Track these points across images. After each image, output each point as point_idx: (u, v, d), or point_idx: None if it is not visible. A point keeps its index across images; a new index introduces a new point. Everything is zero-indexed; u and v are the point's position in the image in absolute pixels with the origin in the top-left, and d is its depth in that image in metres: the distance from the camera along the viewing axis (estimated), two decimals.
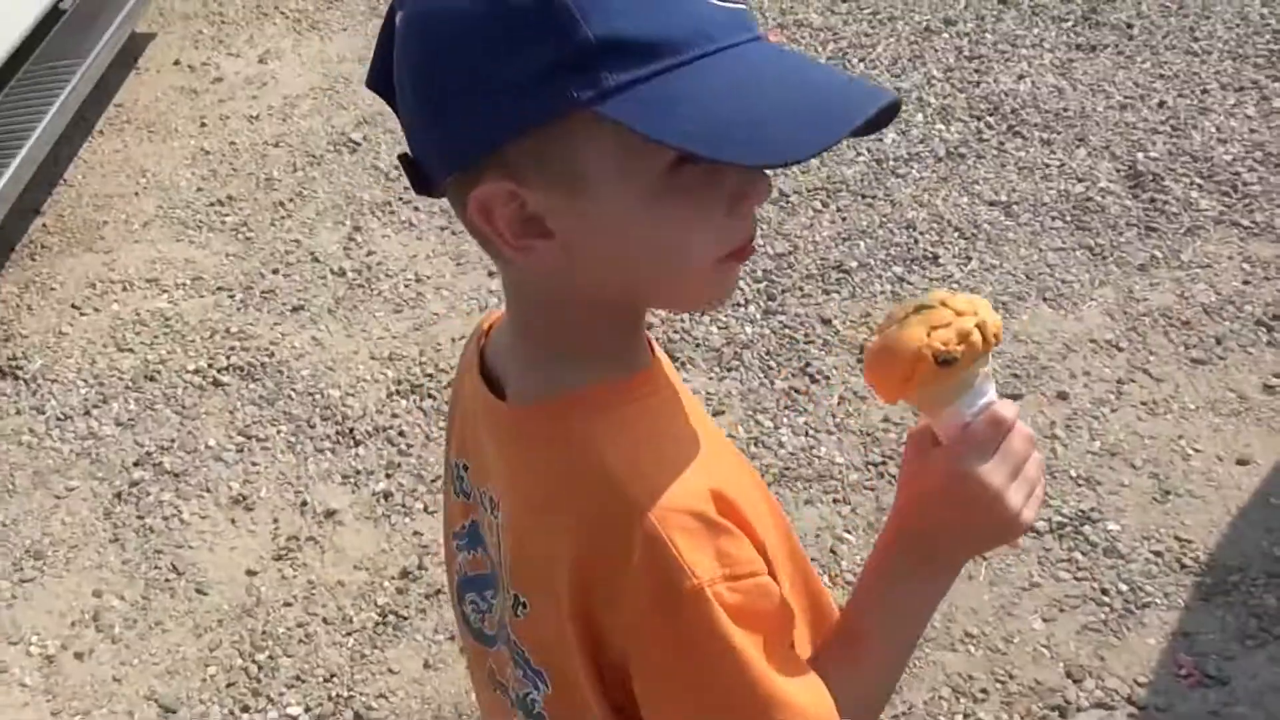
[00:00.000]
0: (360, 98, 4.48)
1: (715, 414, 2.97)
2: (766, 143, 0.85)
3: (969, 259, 3.43)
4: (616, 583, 0.94)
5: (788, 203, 3.72)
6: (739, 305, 3.29)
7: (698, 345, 3.19)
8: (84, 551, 2.87)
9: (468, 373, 1.12)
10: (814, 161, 3.86)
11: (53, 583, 2.81)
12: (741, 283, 3.36)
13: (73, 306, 3.60)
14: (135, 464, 3.06)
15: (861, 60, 4.40)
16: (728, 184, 0.91)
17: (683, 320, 3.22)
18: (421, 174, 0.95)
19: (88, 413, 3.22)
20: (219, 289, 3.63)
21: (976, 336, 0.99)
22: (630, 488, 0.94)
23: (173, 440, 3.11)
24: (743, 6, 0.90)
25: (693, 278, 0.95)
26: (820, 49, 4.48)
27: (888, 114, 0.89)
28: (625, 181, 0.88)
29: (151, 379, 3.31)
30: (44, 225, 3.96)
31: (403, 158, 0.96)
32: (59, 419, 3.21)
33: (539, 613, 1.02)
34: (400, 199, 3.93)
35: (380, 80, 0.96)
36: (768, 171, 0.93)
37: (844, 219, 3.64)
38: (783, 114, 0.86)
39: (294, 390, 3.24)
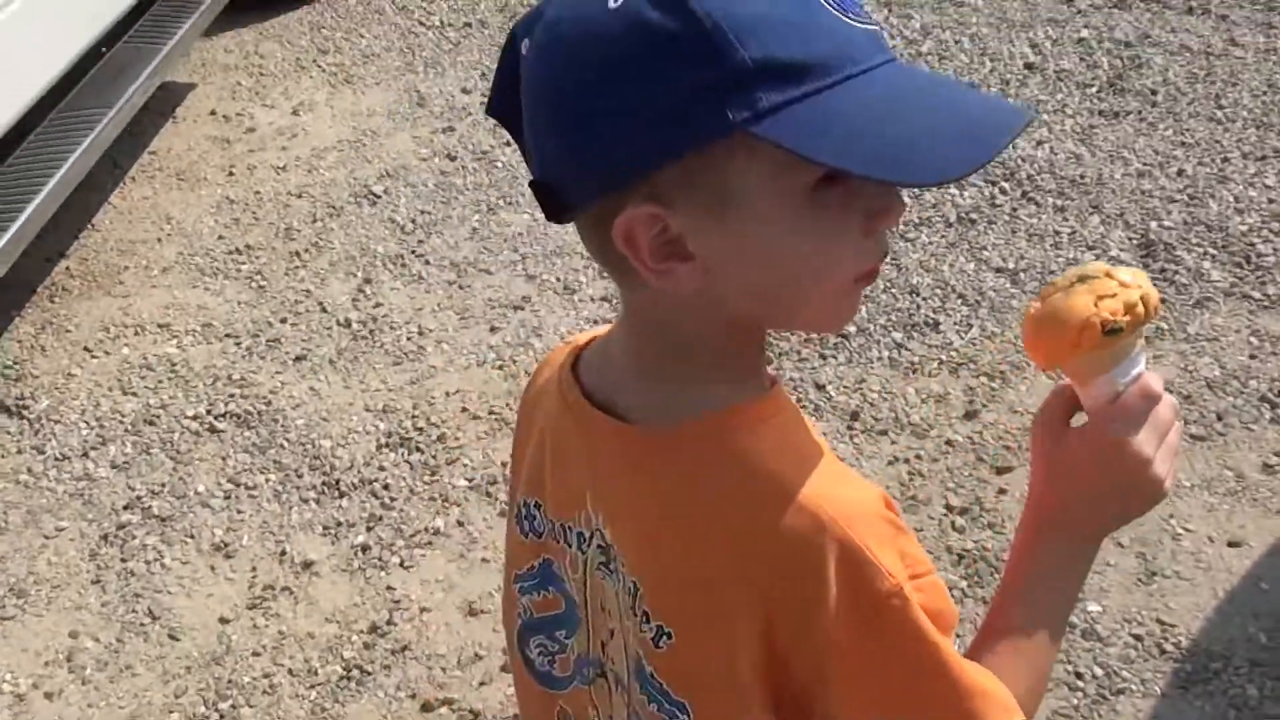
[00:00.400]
0: (386, 151, 4.54)
1: None
2: (918, 162, 0.87)
3: (970, 326, 3.39)
4: (809, 594, 0.94)
5: None
6: None
7: None
8: (65, 592, 2.90)
9: (544, 402, 1.13)
10: None
11: (32, 621, 2.84)
12: None
13: (85, 349, 3.66)
14: (125, 507, 3.10)
15: None
16: (864, 204, 0.92)
17: None
18: (556, 200, 0.95)
19: (85, 454, 3.26)
20: (227, 336, 3.68)
21: (1141, 308, 1.03)
22: (813, 499, 0.95)
23: (164, 485, 3.15)
24: (876, 28, 0.92)
25: (829, 296, 0.96)
26: None
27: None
28: (773, 200, 0.90)
29: (150, 423, 3.35)
30: (67, 269, 4.04)
31: (534, 184, 0.96)
32: (57, 459, 3.26)
33: (689, 641, 1.01)
34: (413, 252, 3.97)
35: (501, 107, 0.98)
36: (904, 194, 0.96)
37: None
38: (933, 134, 0.89)
39: (287, 439, 3.26)
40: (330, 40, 5.48)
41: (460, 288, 3.76)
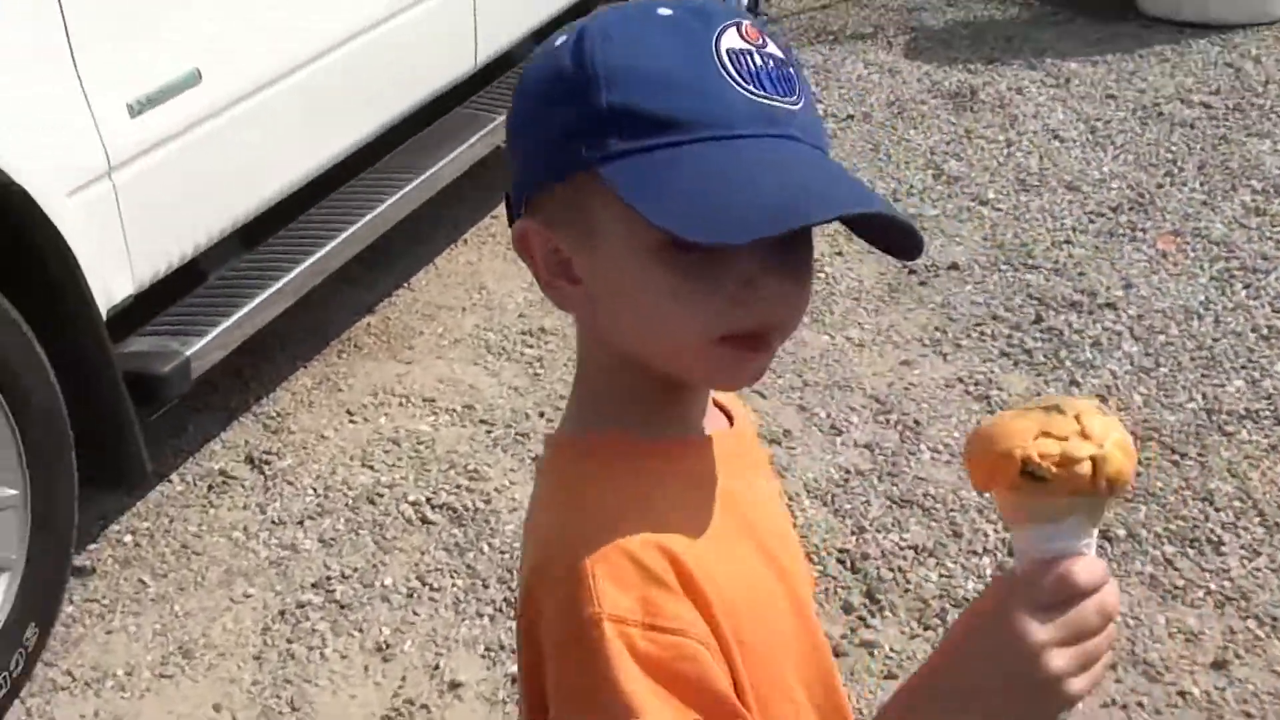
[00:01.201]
0: None
1: None
2: (711, 222, 0.90)
3: (1258, 554, 2.84)
4: (543, 606, 0.98)
5: None
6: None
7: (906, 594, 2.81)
8: (227, 662, 2.90)
9: None
10: (1136, 400, 3.36)
11: (186, 684, 2.85)
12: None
13: (347, 412, 3.69)
14: (313, 585, 3.07)
15: (1247, 286, 3.80)
16: (738, 268, 0.95)
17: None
18: (509, 209, 1.06)
19: (301, 522, 3.27)
20: (482, 421, 3.61)
21: (1085, 469, 0.89)
22: (575, 527, 0.99)
23: (356, 570, 3.10)
24: (779, 104, 0.95)
25: (686, 353, 0.99)
26: (1207, 265, 3.92)
27: (909, 238, 0.97)
28: (627, 242, 0.96)
29: (371, 501, 3.32)
30: (369, 324, 4.11)
31: (506, 194, 1.07)
32: (274, 522, 3.28)
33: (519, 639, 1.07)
34: None
35: None
36: (786, 267, 0.97)
37: (1138, 475, 3.12)
38: (751, 201, 0.91)
39: (489, 544, 3.15)
40: None
41: None
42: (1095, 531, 0.93)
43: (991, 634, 0.93)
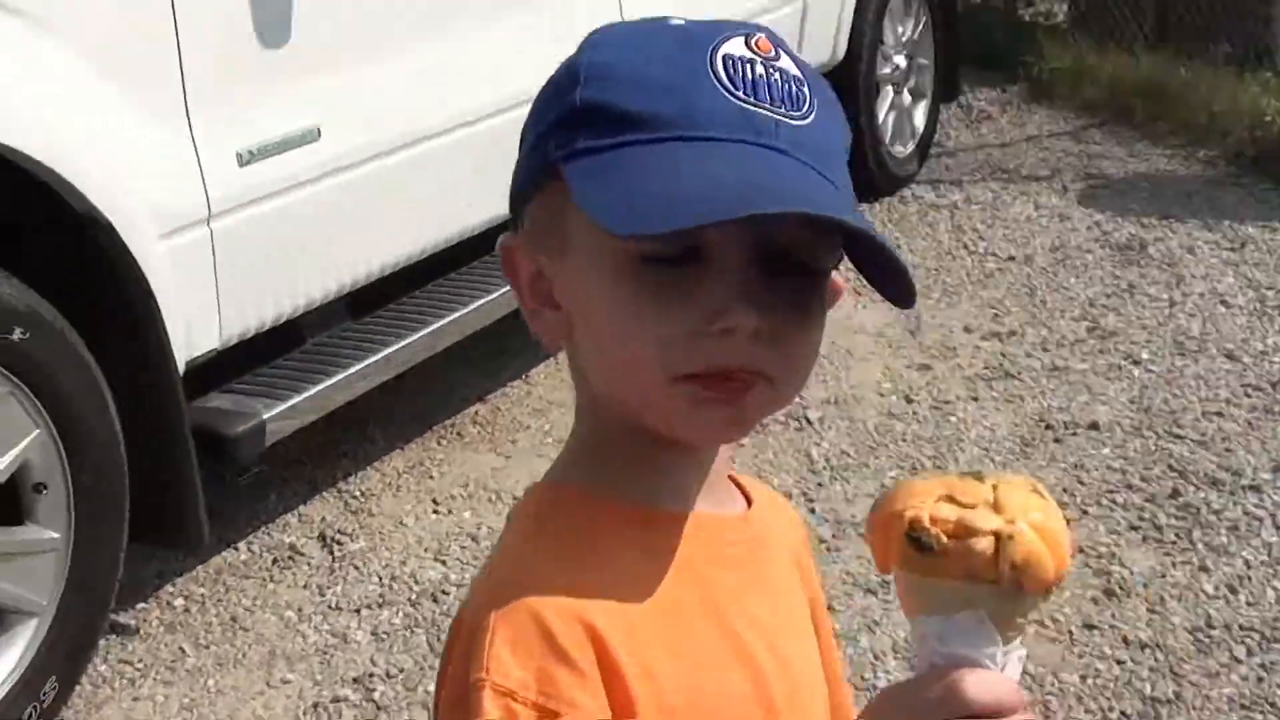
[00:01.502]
0: (851, 373, 4.14)
1: None
2: (638, 212, 0.83)
3: None
4: (447, 654, 0.92)
5: (1206, 637, 2.89)
6: None
7: None
8: None
9: None
10: (1269, 595, 3.02)
11: None
12: None
13: (433, 501, 3.52)
14: (354, 679, 2.87)
15: None
16: (711, 293, 0.86)
17: None
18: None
19: (358, 611, 3.09)
20: None
21: (983, 546, 0.73)
22: (500, 579, 0.92)
23: (402, 670, 2.90)
24: (774, 115, 0.87)
25: (648, 389, 0.89)
26: None
27: (900, 278, 0.89)
28: (595, 254, 0.88)
29: (435, 599, 3.12)
30: (476, 413, 3.95)
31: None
32: (330, 608, 3.10)
33: None
34: (805, 495, 3.52)
35: None
36: (772, 301, 0.87)
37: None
38: (692, 194, 0.83)
39: None
40: None
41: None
42: (1015, 643, 0.76)
43: None
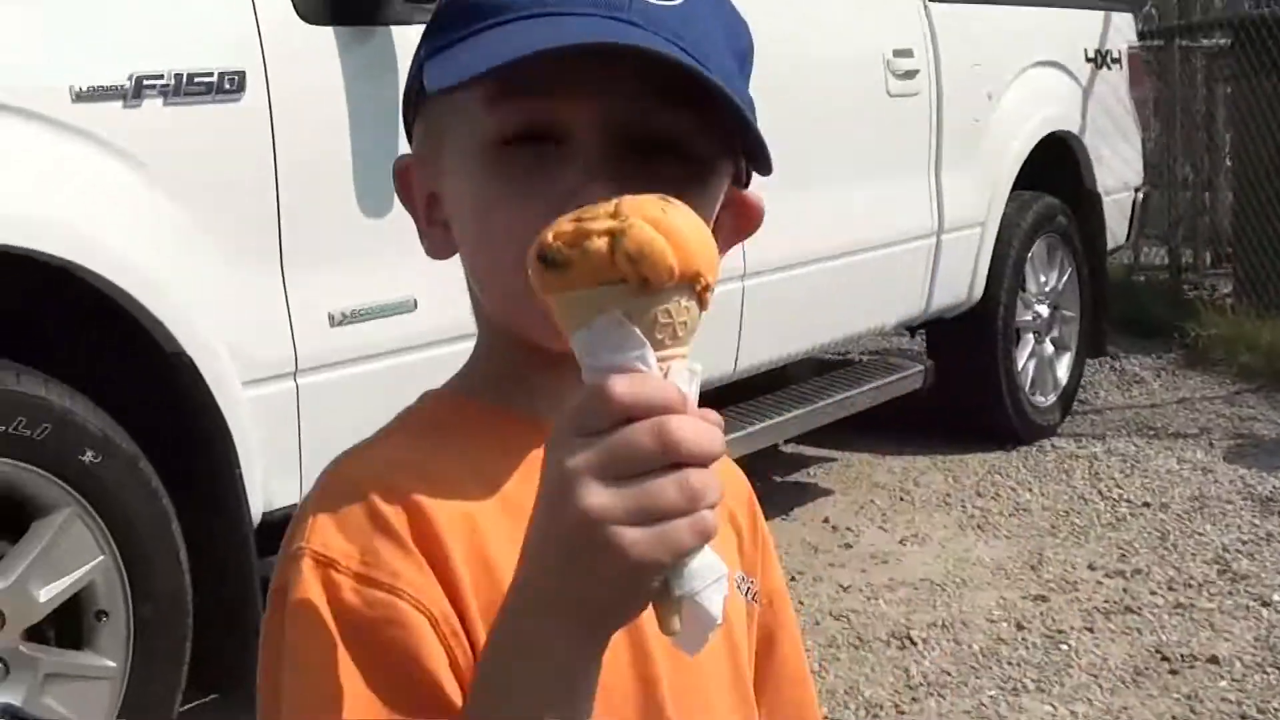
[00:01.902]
0: (960, 601, 3.99)
1: None
2: (449, 69, 0.85)
3: None
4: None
5: None
6: None
7: None
8: None
9: None
10: None
11: None
12: None
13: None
14: None
15: None
16: (563, 180, 0.85)
17: None
18: None
19: None
20: None
21: (599, 245, 0.72)
22: (339, 467, 0.91)
23: None
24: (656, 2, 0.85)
25: (507, 289, 0.88)
26: None
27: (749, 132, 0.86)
28: (465, 147, 0.89)
29: None
30: None
31: None
32: None
33: None
34: (898, 708, 3.36)
35: None
36: (628, 180, 0.82)
37: None
38: (505, 51, 0.82)
39: None
40: (997, 485, 5.04)
41: None
42: (674, 350, 0.72)
43: (543, 477, 0.74)
